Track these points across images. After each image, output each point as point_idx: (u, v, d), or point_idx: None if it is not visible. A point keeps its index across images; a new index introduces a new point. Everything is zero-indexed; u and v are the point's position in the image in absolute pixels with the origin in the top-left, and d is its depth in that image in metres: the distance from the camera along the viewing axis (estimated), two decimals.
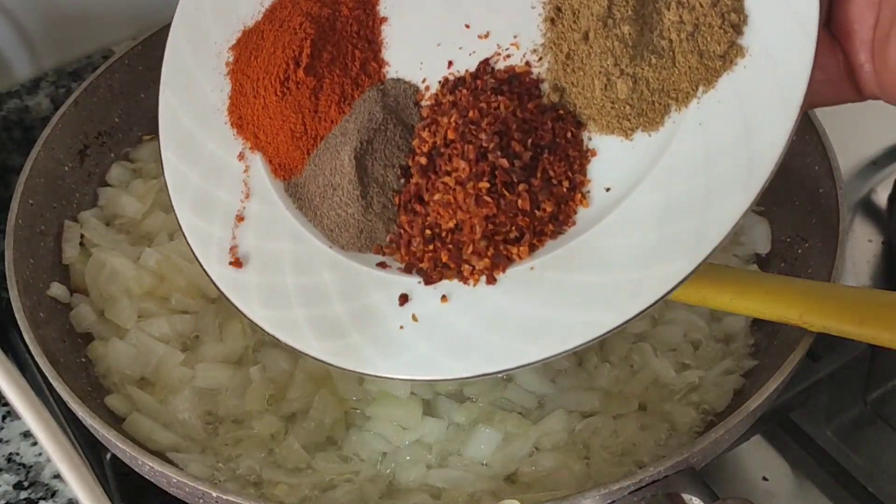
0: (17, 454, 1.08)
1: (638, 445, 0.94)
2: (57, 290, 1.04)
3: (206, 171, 0.95)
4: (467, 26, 0.92)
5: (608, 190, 0.84)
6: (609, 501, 0.81)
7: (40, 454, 1.08)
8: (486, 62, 0.90)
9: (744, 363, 1.00)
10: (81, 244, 1.09)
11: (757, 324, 1.03)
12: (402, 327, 0.83)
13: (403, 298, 0.84)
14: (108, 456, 0.97)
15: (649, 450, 0.93)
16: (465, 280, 0.83)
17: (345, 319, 0.85)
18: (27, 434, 1.09)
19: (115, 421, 0.96)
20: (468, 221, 0.83)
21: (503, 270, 0.83)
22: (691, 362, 1.00)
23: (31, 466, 1.07)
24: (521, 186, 0.82)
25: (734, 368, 0.99)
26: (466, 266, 0.83)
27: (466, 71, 0.90)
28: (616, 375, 0.99)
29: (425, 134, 0.87)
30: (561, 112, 0.86)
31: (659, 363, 0.99)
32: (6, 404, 1.11)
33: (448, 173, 0.84)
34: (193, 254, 0.91)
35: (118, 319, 1.03)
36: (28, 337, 0.94)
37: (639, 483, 0.81)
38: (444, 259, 0.84)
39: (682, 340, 1.02)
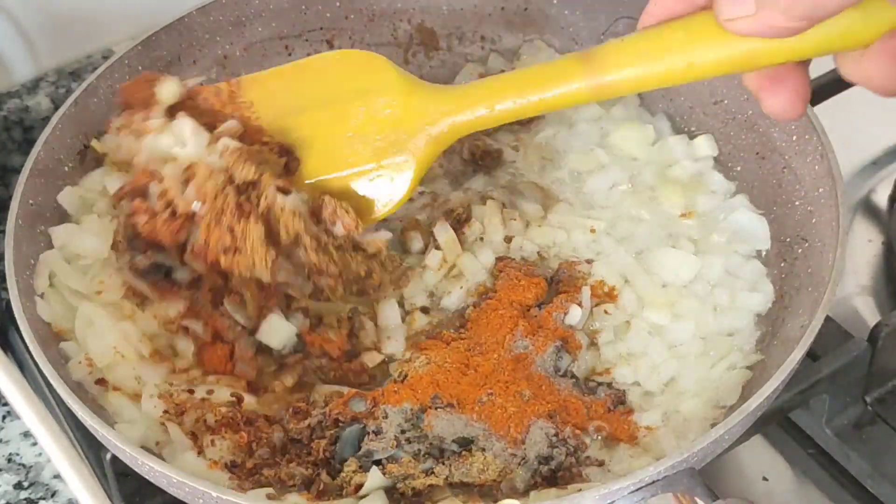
0: (17, 454, 1.08)
1: (657, 438, 0.95)
2: (42, 309, 1.01)
3: None
4: None
5: None
6: (609, 501, 0.81)
7: (40, 454, 1.08)
8: None
9: (749, 357, 1.01)
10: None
11: (760, 320, 1.04)
12: None
13: None
14: (108, 456, 0.97)
15: (668, 442, 0.95)
16: None
17: None
18: (27, 434, 1.09)
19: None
20: None
21: None
22: (701, 356, 1.02)
23: (31, 466, 1.07)
24: None
25: (740, 363, 1.00)
26: None
27: None
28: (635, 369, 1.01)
29: None
30: None
31: (674, 357, 1.01)
32: (6, 404, 1.11)
33: None
34: None
35: (125, 388, 0.99)
36: (28, 337, 0.94)
37: (639, 483, 0.81)
38: None
39: (692, 337, 1.03)
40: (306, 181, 0.99)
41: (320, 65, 1.03)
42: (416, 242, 1.12)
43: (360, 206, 0.99)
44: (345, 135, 0.99)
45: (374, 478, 0.89)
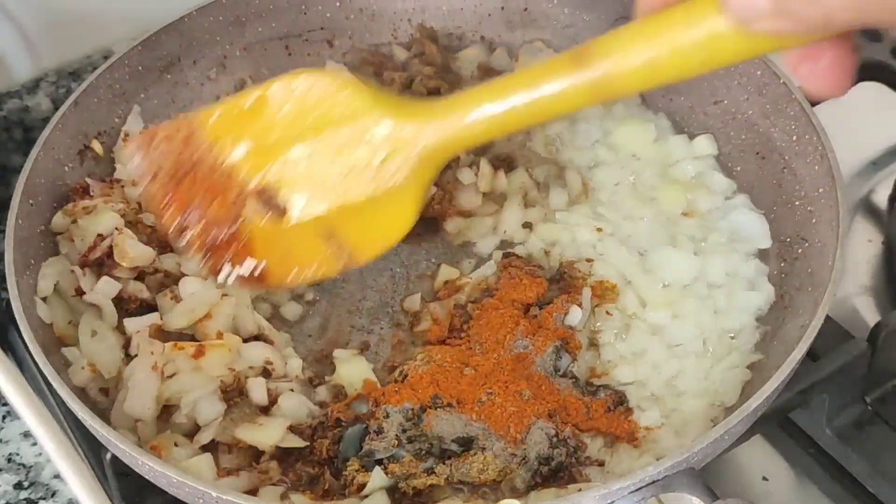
0: (17, 454, 1.08)
1: (658, 438, 0.95)
2: (42, 310, 1.01)
3: None
4: None
5: None
6: (609, 501, 0.81)
7: (40, 454, 1.08)
8: None
9: (749, 357, 1.01)
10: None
11: (760, 320, 1.04)
12: None
13: None
14: (108, 456, 0.97)
15: (669, 442, 0.95)
16: None
17: None
18: (27, 434, 1.09)
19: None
20: None
21: None
22: (701, 356, 1.02)
23: (31, 466, 1.07)
24: None
25: (740, 363, 1.00)
26: None
27: None
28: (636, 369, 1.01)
29: None
30: None
31: (674, 357, 1.01)
32: (6, 404, 1.11)
33: None
34: None
35: (135, 412, 0.98)
36: (28, 337, 0.94)
37: (639, 483, 0.81)
38: None
39: (692, 337, 1.03)
40: (294, 222, 0.90)
41: (283, 93, 0.91)
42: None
43: (362, 239, 0.91)
44: (331, 166, 0.90)
45: (377, 478, 0.89)
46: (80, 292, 1.04)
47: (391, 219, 0.90)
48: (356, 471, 0.91)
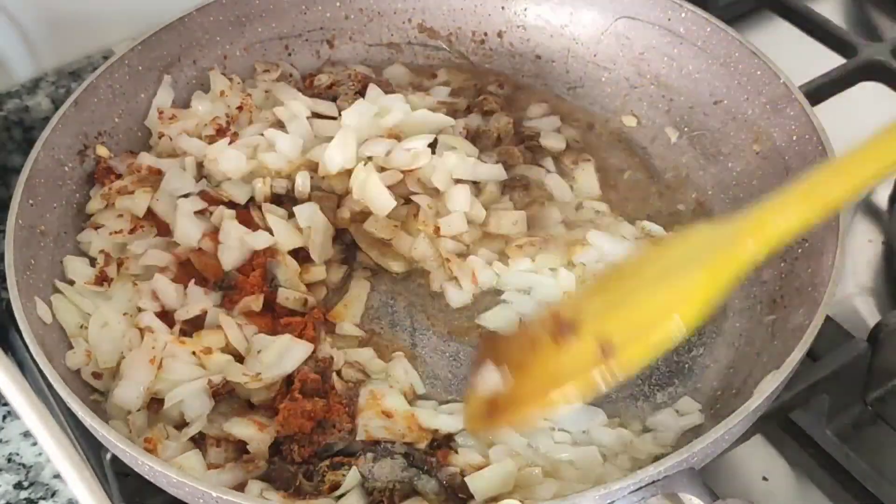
0: (17, 454, 1.08)
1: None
2: (42, 310, 1.02)
3: None
4: None
5: None
6: (609, 501, 0.81)
7: (40, 454, 1.08)
8: None
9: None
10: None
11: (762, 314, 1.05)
12: None
13: None
14: (108, 456, 0.97)
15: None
16: None
17: None
18: (27, 434, 1.09)
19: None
20: None
21: None
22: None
23: (31, 466, 1.07)
24: None
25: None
26: None
27: None
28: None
29: None
30: None
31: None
32: (6, 404, 1.11)
33: None
34: None
35: (124, 402, 0.99)
36: (28, 337, 0.94)
37: (639, 483, 0.81)
38: None
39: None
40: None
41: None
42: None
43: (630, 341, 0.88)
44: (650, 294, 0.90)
45: (352, 476, 0.90)
46: (98, 282, 1.06)
47: (663, 311, 0.87)
48: (327, 467, 0.92)
